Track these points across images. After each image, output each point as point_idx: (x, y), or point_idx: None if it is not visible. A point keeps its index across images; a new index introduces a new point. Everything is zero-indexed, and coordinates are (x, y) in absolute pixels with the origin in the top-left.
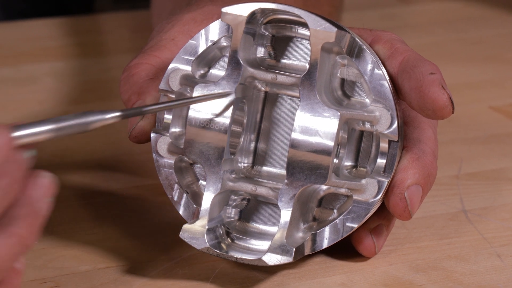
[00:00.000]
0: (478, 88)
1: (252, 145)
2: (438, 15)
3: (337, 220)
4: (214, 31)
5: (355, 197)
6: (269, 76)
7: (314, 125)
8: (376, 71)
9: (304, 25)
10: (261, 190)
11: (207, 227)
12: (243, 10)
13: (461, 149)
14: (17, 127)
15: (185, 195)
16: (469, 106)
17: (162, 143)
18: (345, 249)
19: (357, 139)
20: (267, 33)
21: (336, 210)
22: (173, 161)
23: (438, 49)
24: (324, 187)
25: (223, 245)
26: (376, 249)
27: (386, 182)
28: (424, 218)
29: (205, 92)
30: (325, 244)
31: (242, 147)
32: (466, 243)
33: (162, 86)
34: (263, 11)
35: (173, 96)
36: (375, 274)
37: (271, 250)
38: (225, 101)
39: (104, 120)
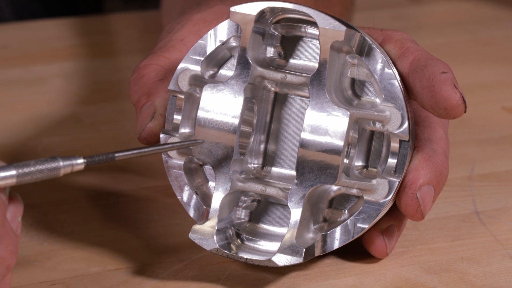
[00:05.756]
0: (490, 89)
1: (262, 145)
2: (450, 15)
3: (348, 221)
4: (223, 31)
5: (365, 197)
6: (278, 75)
7: (323, 124)
8: (387, 70)
9: (314, 24)
10: (271, 191)
11: (216, 227)
12: (252, 9)
13: (474, 150)
14: None
15: (194, 196)
16: (481, 107)
17: None
18: (357, 251)
19: (367, 139)
20: (276, 33)
21: (346, 211)
22: (182, 162)
23: (450, 49)
24: (334, 188)
25: (233, 246)
26: (388, 250)
27: (397, 182)
28: (436, 219)
29: (214, 91)
30: (336, 245)
31: (252, 148)
32: (479, 245)
33: (171, 86)
34: (272, 10)
35: (182, 97)
36: (387, 276)
37: (281, 250)
38: (234, 101)
39: (72, 166)
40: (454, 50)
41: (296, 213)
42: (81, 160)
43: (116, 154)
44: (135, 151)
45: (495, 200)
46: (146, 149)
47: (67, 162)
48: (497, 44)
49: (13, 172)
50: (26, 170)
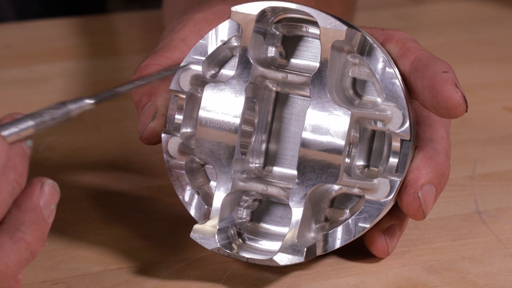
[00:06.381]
0: (492, 88)
1: (264, 145)
2: (451, 15)
3: (349, 220)
4: (224, 30)
5: (367, 197)
6: (279, 75)
7: (325, 124)
8: (388, 69)
9: (315, 24)
10: (272, 190)
11: (217, 227)
12: (253, 9)
13: (475, 149)
14: (6, 126)
15: (196, 196)
16: (483, 107)
17: (172, 144)
18: (358, 250)
19: (369, 139)
20: (278, 32)
21: (348, 211)
22: (184, 162)
23: (452, 49)
24: (336, 187)
25: (234, 246)
26: (389, 250)
27: (399, 182)
28: (437, 219)
29: (215, 91)
30: (337, 244)
31: (254, 148)
32: (480, 244)
33: (172, 86)
34: (273, 9)
35: (184, 96)
36: (388, 275)
37: (282, 250)
38: (236, 100)
39: (83, 106)
40: (456, 50)
41: (297, 213)
42: (90, 101)
43: (120, 89)
44: (134, 86)
45: (497, 199)
46: (141, 81)
47: (76, 105)
48: (498, 43)
49: (30, 122)
50: (40, 119)
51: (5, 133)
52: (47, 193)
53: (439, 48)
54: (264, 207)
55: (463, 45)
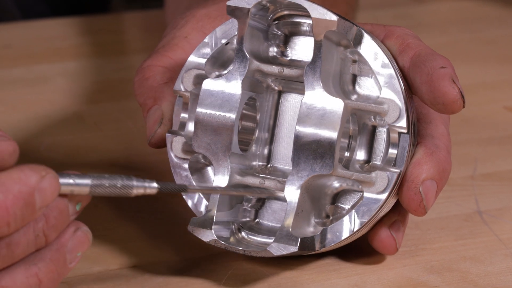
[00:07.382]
0: (493, 88)
1: (266, 144)
2: (453, 14)
3: (349, 215)
4: (227, 30)
5: (365, 190)
6: (275, 69)
7: (318, 114)
8: (385, 63)
9: None
10: (269, 183)
11: (214, 219)
12: (247, 3)
13: (476, 149)
14: (64, 175)
15: (200, 195)
16: (484, 107)
17: (176, 143)
18: (359, 251)
19: (369, 134)
20: (279, 32)
21: (349, 206)
22: (188, 161)
23: (453, 49)
24: (336, 184)
25: (232, 239)
26: (397, 245)
27: (396, 175)
28: (438, 219)
29: (213, 85)
30: (337, 239)
31: (256, 146)
32: (481, 244)
33: (176, 86)
34: (269, 3)
35: (188, 95)
36: (389, 275)
37: (277, 239)
38: (233, 95)
39: (147, 188)
40: (457, 49)
41: (292, 203)
42: (154, 185)
43: (189, 187)
44: (206, 190)
45: (498, 199)
46: (218, 189)
47: (140, 183)
48: (499, 43)
49: (88, 181)
50: (100, 182)
51: (61, 180)
52: (78, 239)
53: (440, 47)
54: (268, 206)
55: (464, 45)
